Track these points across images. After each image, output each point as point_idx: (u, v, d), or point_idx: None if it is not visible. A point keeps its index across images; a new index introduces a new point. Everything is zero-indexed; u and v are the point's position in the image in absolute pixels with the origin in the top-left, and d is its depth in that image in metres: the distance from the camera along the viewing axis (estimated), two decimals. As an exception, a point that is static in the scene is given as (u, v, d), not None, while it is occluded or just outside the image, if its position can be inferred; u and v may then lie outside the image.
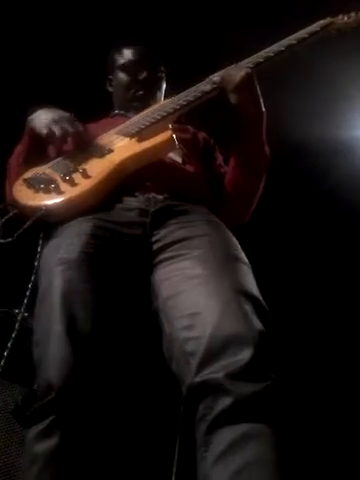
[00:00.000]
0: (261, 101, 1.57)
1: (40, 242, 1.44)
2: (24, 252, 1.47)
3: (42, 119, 1.59)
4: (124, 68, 1.86)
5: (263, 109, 1.58)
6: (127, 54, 1.87)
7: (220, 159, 1.82)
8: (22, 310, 1.37)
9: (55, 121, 1.57)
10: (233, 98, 1.55)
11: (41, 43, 3.01)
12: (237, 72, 1.55)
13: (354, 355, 3.47)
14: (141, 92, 1.82)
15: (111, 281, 1.38)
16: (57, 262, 1.36)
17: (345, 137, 3.56)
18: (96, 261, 1.38)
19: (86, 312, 1.29)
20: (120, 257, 1.42)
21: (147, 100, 1.81)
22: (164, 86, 1.91)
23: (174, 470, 1.98)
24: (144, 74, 1.82)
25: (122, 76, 1.86)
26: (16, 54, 3.00)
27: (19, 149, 1.67)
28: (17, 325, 1.36)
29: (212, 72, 1.65)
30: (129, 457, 1.98)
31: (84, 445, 1.19)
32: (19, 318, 1.38)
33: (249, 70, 1.55)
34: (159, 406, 2.09)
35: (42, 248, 1.44)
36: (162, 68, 1.90)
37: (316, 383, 3.36)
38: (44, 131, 1.56)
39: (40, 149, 1.64)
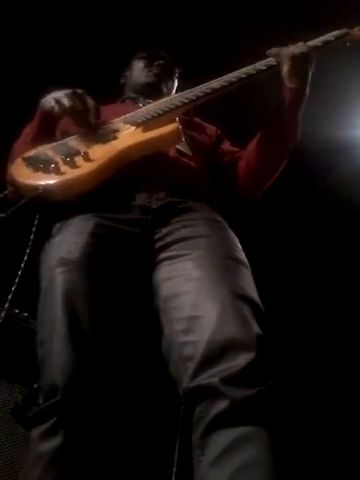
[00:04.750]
0: (308, 84, 1.58)
1: (35, 224, 1.41)
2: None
3: (53, 96, 1.58)
4: (142, 58, 1.99)
5: (308, 91, 1.58)
6: (147, 51, 2.01)
7: (229, 144, 1.82)
8: (6, 305, 1.35)
9: (65, 94, 1.56)
10: (286, 67, 1.55)
11: (46, 34, 3.01)
12: (299, 46, 1.56)
13: (351, 358, 3.47)
14: (155, 72, 1.93)
15: (113, 280, 1.37)
16: (58, 262, 1.35)
17: (345, 137, 3.56)
18: (97, 261, 1.37)
19: (89, 313, 1.29)
20: (121, 256, 1.41)
21: (158, 85, 1.91)
22: (175, 83, 2.00)
23: (174, 470, 1.98)
24: (160, 61, 1.95)
25: (140, 63, 1.98)
26: (22, 44, 3.00)
27: (27, 130, 1.66)
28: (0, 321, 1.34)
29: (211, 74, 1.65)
30: (130, 457, 1.98)
31: (87, 445, 1.19)
32: (2, 315, 1.35)
33: (310, 50, 1.56)
34: (160, 406, 2.09)
35: (37, 235, 1.41)
36: (176, 66, 2.00)
37: (313, 386, 3.36)
38: (53, 104, 1.55)
39: (50, 131, 1.62)
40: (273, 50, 1.59)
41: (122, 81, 2.04)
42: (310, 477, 2.67)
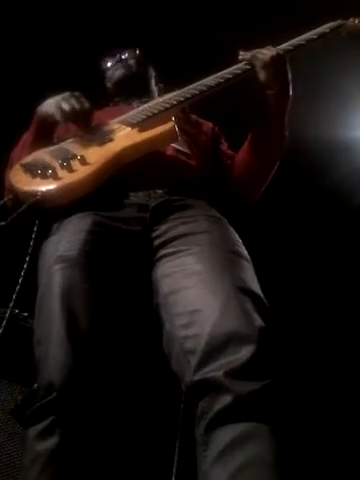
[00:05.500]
0: (290, 84, 1.57)
1: (35, 229, 1.42)
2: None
3: (50, 101, 1.60)
4: (105, 68, 2.03)
5: (290, 92, 1.58)
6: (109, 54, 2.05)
7: (226, 146, 1.82)
8: (11, 305, 1.34)
9: (62, 97, 1.57)
10: (262, 75, 1.56)
11: (42, 39, 3.01)
12: (269, 51, 1.56)
13: (355, 352, 3.47)
14: (119, 66, 1.95)
15: (111, 278, 1.37)
16: (56, 260, 1.35)
17: (345, 137, 3.56)
18: (95, 259, 1.36)
19: (86, 311, 1.28)
20: (119, 254, 1.41)
21: (131, 78, 1.92)
22: (146, 66, 1.99)
23: (174, 470, 1.98)
24: (122, 56, 1.97)
25: (105, 66, 2.02)
26: (20, 52, 3.01)
27: (25, 137, 1.67)
28: (4, 322, 1.34)
29: (206, 72, 1.65)
30: (129, 457, 1.98)
31: (84, 444, 1.18)
32: (7, 315, 1.35)
33: (281, 51, 1.56)
34: (159, 405, 2.09)
35: (37, 239, 1.41)
36: (135, 52, 2.00)
37: (317, 381, 3.36)
38: (51, 108, 1.57)
39: (47, 138, 1.63)
40: (246, 56, 1.59)
41: (107, 85, 2.04)
42: (314, 475, 2.66)
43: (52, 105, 1.58)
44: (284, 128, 1.63)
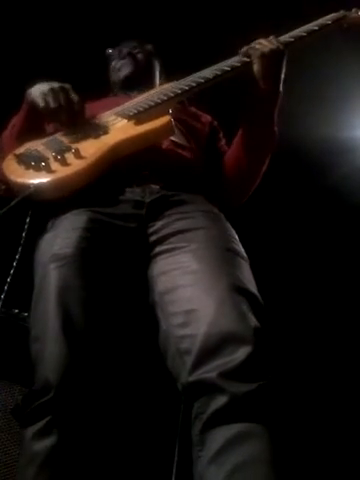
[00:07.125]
0: (282, 80, 1.55)
1: (27, 220, 1.41)
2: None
3: (39, 90, 1.55)
4: (110, 56, 1.96)
5: (281, 89, 1.55)
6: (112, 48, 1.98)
7: (223, 141, 1.80)
8: (2, 297, 1.34)
9: (52, 90, 1.52)
10: (256, 67, 1.53)
11: (42, 24, 3.01)
12: (269, 43, 1.53)
13: (351, 352, 3.47)
14: (124, 61, 1.89)
15: (107, 276, 1.36)
16: (52, 258, 1.34)
17: (345, 137, 3.56)
18: (91, 256, 1.36)
19: (82, 309, 1.28)
20: (115, 251, 1.40)
21: (137, 74, 1.87)
22: (154, 61, 1.96)
23: (174, 470, 1.98)
24: (126, 50, 1.91)
25: (110, 63, 1.96)
26: (16, 36, 3.00)
27: (14, 121, 1.64)
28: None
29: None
30: (128, 456, 1.98)
31: (82, 444, 1.18)
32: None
33: (281, 45, 1.53)
34: (159, 404, 2.09)
35: (31, 231, 1.41)
36: (145, 46, 1.95)
37: (312, 380, 3.36)
38: (39, 100, 1.52)
39: (37, 123, 1.61)
40: (244, 49, 1.56)
41: (112, 77, 1.99)
42: (309, 475, 2.66)
43: (39, 94, 1.53)
44: (273, 124, 1.60)
